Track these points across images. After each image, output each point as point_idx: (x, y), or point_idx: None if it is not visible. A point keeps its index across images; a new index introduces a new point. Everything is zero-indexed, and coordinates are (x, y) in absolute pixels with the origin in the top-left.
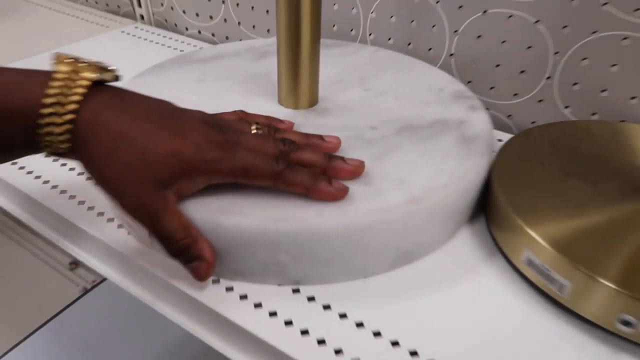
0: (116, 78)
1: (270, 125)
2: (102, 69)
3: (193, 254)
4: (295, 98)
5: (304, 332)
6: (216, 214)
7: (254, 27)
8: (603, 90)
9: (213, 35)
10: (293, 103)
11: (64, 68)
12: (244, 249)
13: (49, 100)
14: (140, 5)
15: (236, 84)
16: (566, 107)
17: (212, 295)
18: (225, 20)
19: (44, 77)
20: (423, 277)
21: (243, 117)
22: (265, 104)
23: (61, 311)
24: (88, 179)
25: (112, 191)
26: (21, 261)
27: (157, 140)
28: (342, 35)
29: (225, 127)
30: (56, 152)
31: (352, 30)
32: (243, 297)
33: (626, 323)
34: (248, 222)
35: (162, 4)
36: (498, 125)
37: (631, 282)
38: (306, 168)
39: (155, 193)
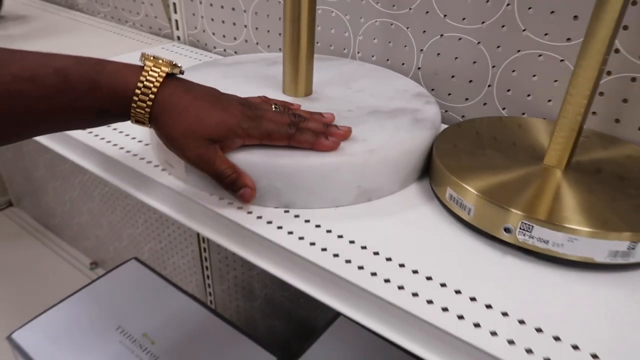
0: (181, 72)
1: (284, 105)
2: (173, 65)
3: (239, 184)
4: (295, 88)
5: (290, 233)
6: (234, 152)
7: (268, 46)
8: (528, 95)
9: (235, 52)
10: (293, 92)
11: (149, 63)
12: (252, 176)
13: (140, 85)
14: (177, 28)
15: (252, 81)
16: (503, 108)
17: (230, 211)
18: (246, 41)
19: (137, 69)
20: (378, 209)
21: (265, 100)
22: (273, 93)
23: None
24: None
25: (179, 147)
26: (46, 261)
27: (210, 113)
28: (337, 53)
29: (254, 106)
30: (139, 121)
31: (344, 49)
32: (249, 212)
33: (507, 230)
34: (256, 157)
35: (195, 27)
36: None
37: (513, 203)
38: (312, 130)
39: (208, 146)
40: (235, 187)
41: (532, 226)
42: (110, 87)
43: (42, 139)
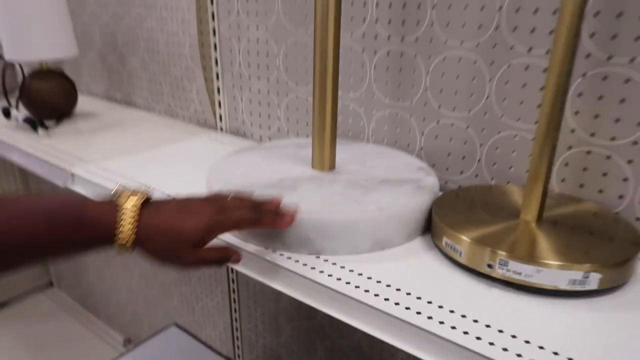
0: (150, 198)
1: (238, 194)
2: (143, 194)
3: (229, 257)
4: (322, 164)
5: (321, 272)
6: None
7: (297, 133)
8: (510, 167)
9: (269, 139)
10: (320, 167)
11: (123, 200)
12: (290, 228)
13: (120, 221)
14: (221, 121)
15: (287, 160)
16: (492, 178)
17: (273, 257)
18: (278, 129)
19: (114, 207)
20: (389, 255)
21: (220, 194)
22: (304, 168)
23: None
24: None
25: (172, 262)
26: (80, 339)
27: (185, 223)
28: (355, 137)
29: (216, 200)
30: (122, 248)
31: (360, 134)
32: (289, 257)
33: (489, 266)
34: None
35: (236, 119)
36: None
37: (493, 245)
38: (271, 212)
39: (197, 249)
40: (227, 260)
41: (508, 261)
42: (93, 225)
43: None
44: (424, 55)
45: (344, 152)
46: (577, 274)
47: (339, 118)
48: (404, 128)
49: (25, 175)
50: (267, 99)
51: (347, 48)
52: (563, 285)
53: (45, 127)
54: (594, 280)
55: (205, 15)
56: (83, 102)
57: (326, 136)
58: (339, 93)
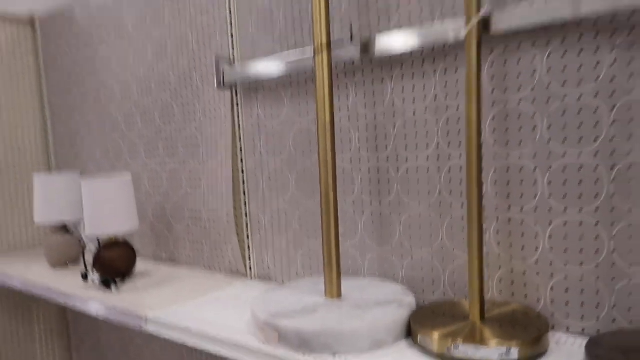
0: None
1: None
2: None
3: None
4: (332, 294)
5: None
6: (304, 325)
7: (311, 275)
8: (465, 286)
9: (290, 280)
10: (331, 296)
11: None
12: (314, 337)
13: None
14: (251, 270)
15: (306, 292)
16: (454, 295)
17: (303, 358)
18: (296, 273)
19: None
20: (385, 352)
21: None
22: (319, 298)
23: None
24: None
25: None
26: None
27: None
28: (354, 274)
29: None
30: None
31: (358, 271)
32: (314, 358)
33: (448, 349)
34: (317, 326)
35: (263, 268)
36: None
37: (450, 336)
38: None
39: None
40: None
41: (459, 345)
42: None
43: (169, 333)
44: (396, 214)
45: (347, 284)
46: (502, 349)
47: (342, 260)
48: (389, 264)
49: (65, 317)
50: (287, 251)
51: (344, 211)
52: (495, 358)
53: (117, 286)
54: (514, 353)
55: (238, 194)
56: (139, 264)
57: (334, 274)
58: (340, 242)
